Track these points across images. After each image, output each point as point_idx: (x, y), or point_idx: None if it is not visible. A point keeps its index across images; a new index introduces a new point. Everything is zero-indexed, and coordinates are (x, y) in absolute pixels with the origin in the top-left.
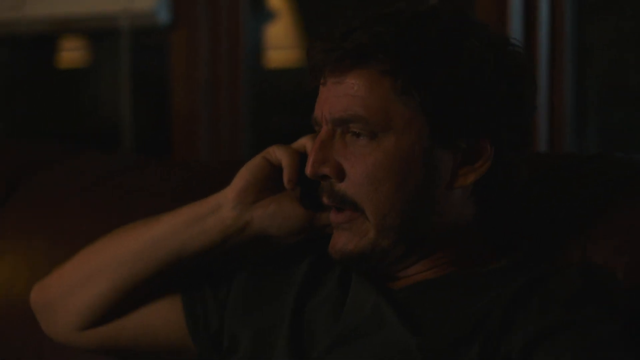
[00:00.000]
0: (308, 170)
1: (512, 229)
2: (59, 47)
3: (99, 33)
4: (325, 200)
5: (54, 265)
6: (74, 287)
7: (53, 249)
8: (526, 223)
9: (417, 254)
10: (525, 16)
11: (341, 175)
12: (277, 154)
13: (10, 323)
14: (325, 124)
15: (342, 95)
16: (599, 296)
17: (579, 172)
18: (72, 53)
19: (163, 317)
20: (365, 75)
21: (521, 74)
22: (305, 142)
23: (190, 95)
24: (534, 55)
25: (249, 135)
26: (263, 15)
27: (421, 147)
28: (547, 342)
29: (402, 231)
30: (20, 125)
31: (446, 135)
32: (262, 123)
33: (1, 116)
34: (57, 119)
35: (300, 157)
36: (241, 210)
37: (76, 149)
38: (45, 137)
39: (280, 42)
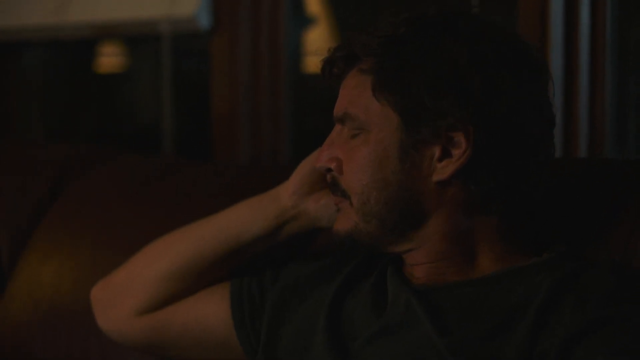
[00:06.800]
0: (316, 162)
1: (544, 231)
2: (98, 52)
3: (139, 38)
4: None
5: (98, 267)
6: (137, 271)
7: (97, 250)
8: (561, 226)
9: (415, 241)
10: (565, 18)
11: (341, 170)
12: None
13: (57, 324)
14: (336, 122)
15: (342, 95)
16: (633, 294)
17: (619, 178)
18: (112, 58)
19: (212, 311)
20: (354, 76)
21: (509, 73)
22: None
23: (230, 99)
24: (574, 58)
25: (289, 138)
26: (302, 20)
27: (397, 141)
28: (585, 340)
29: (383, 217)
30: (60, 129)
31: (419, 131)
32: (303, 126)
33: (41, 119)
34: (97, 124)
35: None
36: (297, 200)
37: (118, 152)
38: (84, 142)
39: (318, 48)
